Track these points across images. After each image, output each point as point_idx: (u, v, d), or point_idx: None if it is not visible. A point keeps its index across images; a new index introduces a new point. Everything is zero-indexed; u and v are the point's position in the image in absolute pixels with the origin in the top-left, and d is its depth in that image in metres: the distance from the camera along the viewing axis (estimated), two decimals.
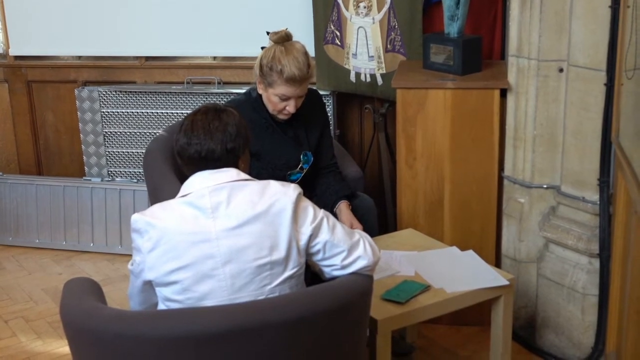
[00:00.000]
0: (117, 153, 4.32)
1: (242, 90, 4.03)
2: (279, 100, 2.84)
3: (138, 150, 4.26)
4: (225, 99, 4.04)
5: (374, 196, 3.18)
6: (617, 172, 2.69)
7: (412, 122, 3.17)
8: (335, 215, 2.91)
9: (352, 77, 3.80)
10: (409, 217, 3.26)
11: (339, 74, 3.84)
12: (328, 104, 3.92)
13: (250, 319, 1.87)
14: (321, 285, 2.06)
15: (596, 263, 2.89)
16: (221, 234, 1.99)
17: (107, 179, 4.31)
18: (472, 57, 3.19)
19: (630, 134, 2.57)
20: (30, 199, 4.30)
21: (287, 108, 2.85)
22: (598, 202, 2.85)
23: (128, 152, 4.30)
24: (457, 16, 3.19)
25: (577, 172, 2.90)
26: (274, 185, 2.07)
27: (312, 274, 2.26)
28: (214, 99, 4.08)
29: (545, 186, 3.05)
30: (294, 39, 2.87)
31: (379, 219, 3.13)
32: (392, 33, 3.58)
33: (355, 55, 3.74)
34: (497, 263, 3.24)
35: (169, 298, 2.03)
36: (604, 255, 2.84)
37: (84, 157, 4.35)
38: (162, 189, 2.87)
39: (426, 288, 2.60)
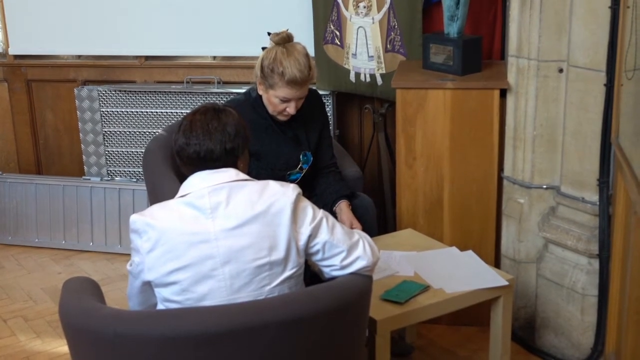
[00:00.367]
0: (116, 152, 4.31)
1: (242, 90, 4.03)
2: (279, 101, 2.83)
3: (137, 150, 4.26)
4: (225, 99, 4.04)
5: (373, 196, 3.18)
6: (617, 173, 2.69)
7: (412, 122, 3.17)
8: (335, 214, 2.91)
9: (352, 77, 3.80)
10: (409, 217, 3.26)
11: (338, 73, 3.84)
12: (328, 103, 3.92)
13: (249, 319, 1.87)
14: (320, 285, 2.06)
15: (596, 264, 2.89)
16: (220, 234, 1.98)
17: (106, 178, 4.30)
18: (472, 57, 3.19)
19: (630, 135, 2.57)
20: (30, 198, 4.30)
21: (287, 110, 2.85)
22: (598, 203, 2.85)
23: (127, 152, 4.30)
24: (457, 16, 3.19)
25: (577, 172, 2.90)
26: (273, 185, 2.07)
27: (311, 274, 2.26)
28: (214, 99, 4.08)
29: (544, 186, 3.05)
30: (294, 38, 2.86)
31: (379, 219, 3.13)
32: (392, 33, 3.58)
33: (355, 55, 3.74)
34: (497, 263, 3.24)
35: (168, 299, 2.03)
36: (604, 255, 2.84)
37: (84, 157, 4.35)
38: (161, 188, 2.87)
39: (425, 288, 2.60)
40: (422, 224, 3.25)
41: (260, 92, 2.89)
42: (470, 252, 2.88)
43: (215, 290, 2.00)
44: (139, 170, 4.23)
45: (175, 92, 4.15)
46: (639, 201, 2.21)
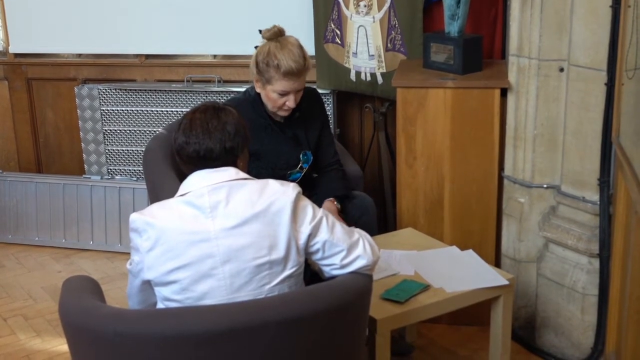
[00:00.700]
0: (116, 151, 4.31)
1: (242, 88, 4.03)
2: (278, 96, 2.83)
3: (138, 149, 4.26)
4: (225, 97, 4.04)
5: (373, 195, 3.18)
6: (618, 172, 2.69)
7: (412, 122, 3.17)
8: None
9: (353, 76, 3.80)
10: (409, 216, 3.26)
11: (339, 72, 3.84)
12: (328, 102, 3.91)
13: (249, 318, 1.87)
14: (320, 284, 2.06)
15: (596, 263, 2.88)
16: (220, 233, 1.98)
17: (106, 177, 4.30)
18: (473, 57, 3.19)
19: (630, 134, 2.57)
20: (30, 196, 4.30)
21: (287, 103, 2.84)
22: (598, 202, 2.85)
23: (128, 150, 4.30)
24: (457, 15, 3.18)
25: (578, 172, 2.90)
26: (273, 184, 2.07)
27: (311, 273, 2.26)
28: (214, 97, 4.08)
29: (545, 186, 3.05)
30: (294, 38, 2.86)
31: (379, 219, 3.13)
32: (393, 32, 3.57)
33: (355, 54, 3.74)
34: (497, 263, 3.24)
35: (168, 298, 2.03)
36: (604, 255, 2.83)
37: (84, 155, 4.35)
38: (161, 187, 2.87)
39: (426, 287, 2.60)
40: (422, 223, 3.25)
41: (258, 90, 2.89)
42: (470, 252, 2.87)
43: (215, 289, 1.99)
44: (139, 169, 4.23)
45: (175, 90, 4.15)
46: None
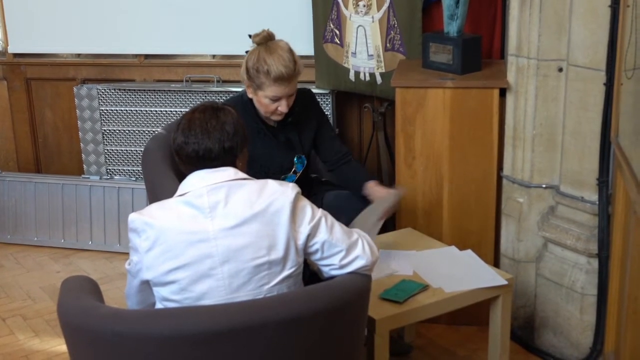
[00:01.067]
0: (115, 151, 4.31)
1: (241, 88, 4.03)
2: (270, 101, 2.82)
3: (137, 149, 4.26)
4: (224, 97, 4.04)
5: None
6: (616, 172, 2.69)
7: (411, 122, 3.17)
8: (365, 201, 2.90)
9: (352, 76, 3.80)
10: (408, 216, 3.26)
11: (338, 72, 3.84)
12: (327, 102, 3.91)
13: (248, 318, 1.86)
14: (319, 284, 2.06)
15: (595, 263, 2.88)
16: (219, 233, 1.98)
17: (105, 177, 4.30)
18: (472, 57, 3.19)
19: (629, 134, 2.57)
20: (29, 196, 4.30)
21: (279, 108, 2.83)
22: (597, 202, 2.85)
23: (127, 150, 4.30)
24: (456, 15, 3.18)
25: (576, 172, 2.90)
26: (272, 184, 2.07)
27: (310, 273, 2.25)
28: (213, 97, 4.08)
29: (544, 186, 3.05)
30: (284, 42, 2.84)
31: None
32: (392, 32, 3.57)
33: (354, 54, 3.74)
34: (496, 263, 3.24)
35: (166, 298, 2.03)
36: (603, 255, 2.83)
37: (83, 155, 4.35)
38: (160, 187, 2.86)
39: (424, 287, 2.60)
40: (421, 223, 3.25)
41: (250, 95, 2.87)
42: (469, 252, 2.88)
43: (214, 289, 1.99)
44: (138, 169, 4.23)
45: (174, 90, 4.15)
46: (639, 200, 2.21)
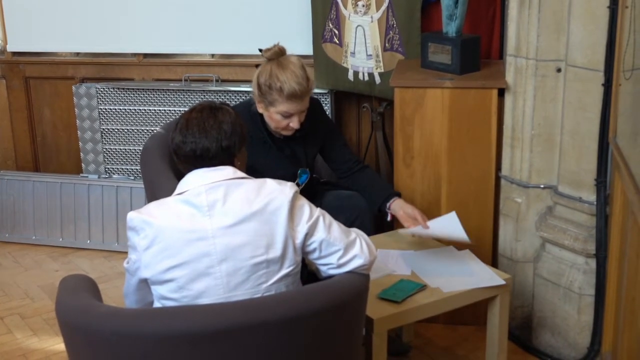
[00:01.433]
0: (114, 150, 4.31)
1: (240, 88, 4.04)
2: (281, 117, 2.78)
3: (135, 148, 4.26)
4: (223, 97, 4.05)
5: None
6: (614, 173, 2.69)
7: (410, 121, 3.17)
8: (384, 212, 2.94)
9: (350, 76, 3.80)
10: None
11: (337, 72, 3.84)
12: (326, 102, 3.91)
13: (246, 317, 1.87)
14: (317, 284, 2.06)
15: (593, 263, 2.89)
16: (217, 232, 1.98)
17: (104, 176, 4.30)
18: (471, 57, 3.19)
19: (627, 135, 2.57)
20: (27, 195, 4.30)
21: (290, 125, 2.80)
22: (595, 203, 2.85)
23: (125, 149, 4.30)
24: (455, 15, 3.19)
25: (574, 172, 2.90)
26: (270, 183, 2.07)
27: (308, 272, 2.26)
28: (212, 97, 4.08)
29: (542, 186, 3.05)
30: (296, 57, 2.82)
31: (376, 218, 3.12)
32: (391, 32, 3.58)
33: (353, 53, 3.74)
34: (494, 262, 3.24)
35: (164, 296, 2.03)
36: (601, 255, 2.84)
37: (81, 154, 4.35)
38: (159, 186, 2.86)
39: (422, 287, 2.60)
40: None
41: (261, 111, 2.83)
42: (467, 251, 2.88)
43: (211, 287, 2.00)
44: (137, 167, 4.23)
45: (173, 89, 4.15)
46: (636, 201, 2.22)
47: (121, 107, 4.23)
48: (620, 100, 2.61)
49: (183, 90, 4.13)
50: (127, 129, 4.26)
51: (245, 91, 4.01)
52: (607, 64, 2.70)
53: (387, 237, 3.03)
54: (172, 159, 2.25)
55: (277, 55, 2.77)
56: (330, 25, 3.80)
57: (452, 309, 2.64)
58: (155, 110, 4.20)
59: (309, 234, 2.06)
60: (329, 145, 3.08)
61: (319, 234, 2.07)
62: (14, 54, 4.46)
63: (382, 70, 3.66)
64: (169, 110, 4.18)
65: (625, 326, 2.44)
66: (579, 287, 2.93)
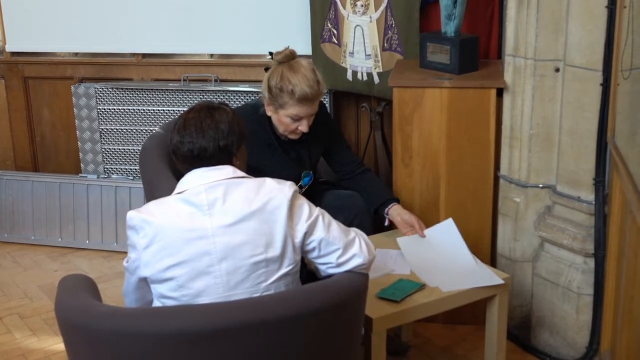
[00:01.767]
0: (113, 150, 4.31)
1: (239, 88, 4.04)
2: (291, 120, 2.78)
3: (134, 148, 4.26)
4: (222, 97, 4.05)
5: None
6: (613, 172, 2.70)
7: (409, 121, 3.18)
8: (382, 216, 2.96)
9: (349, 76, 3.80)
10: None
11: (335, 72, 3.84)
12: (324, 102, 3.91)
13: (245, 316, 1.87)
14: (316, 283, 2.07)
15: (591, 263, 2.89)
16: (217, 230, 1.99)
17: (103, 176, 4.30)
18: (469, 57, 3.19)
19: (626, 134, 2.57)
20: (26, 195, 4.30)
21: (299, 128, 2.80)
22: (593, 202, 2.85)
23: (124, 149, 4.30)
24: (454, 15, 3.19)
25: (573, 171, 2.91)
26: (269, 182, 2.08)
27: (307, 272, 2.26)
28: (211, 97, 4.08)
29: (540, 186, 3.05)
30: (307, 60, 2.83)
31: (375, 218, 3.12)
32: (389, 32, 3.58)
33: (352, 53, 3.74)
34: (493, 262, 3.24)
35: (164, 295, 2.04)
36: (599, 255, 2.84)
37: (80, 154, 4.35)
38: (158, 186, 2.86)
39: (421, 287, 2.60)
40: None
41: (270, 113, 2.83)
42: (466, 251, 2.88)
43: (211, 286, 2.00)
44: (136, 167, 4.23)
45: (172, 89, 4.15)
46: (635, 200, 2.22)
47: (120, 107, 4.24)
48: (619, 100, 2.61)
49: (182, 90, 4.14)
50: (126, 129, 4.26)
51: (245, 91, 4.01)
52: (605, 63, 2.71)
53: (386, 237, 3.03)
54: (171, 159, 2.26)
55: (288, 58, 2.77)
56: (329, 25, 3.80)
57: (451, 309, 2.65)
58: (154, 110, 4.20)
59: (308, 233, 2.06)
60: (332, 147, 3.09)
61: (318, 233, 2.07)
62: (13, 54, 4.46)
63: (381, 70, 3.66)
64: (168, 110, 4.18)
65: (623, 325, 2.44)
66: (577, 286, 2.93)
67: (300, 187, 2.97)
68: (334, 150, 3.10)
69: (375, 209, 3.00)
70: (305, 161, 2.98)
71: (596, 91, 2.76)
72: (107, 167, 4.33)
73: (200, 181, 2.04)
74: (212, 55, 4.26)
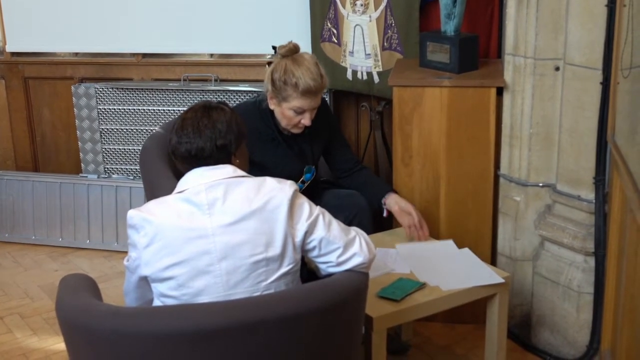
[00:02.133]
0: (113, 150, 4.31)
1: (239, 87, 4.04)
2: (294, 114, 2.80)
3: (134, 147, 4.26)
4: (222, 97, 4.05)
5: None
6: (613, 171, 2.70)
7: (409, 120, 3.18)
8: (381, 208, 2.97)
9: (349, 75, 3.80)
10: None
11: (335, 71, 3.84)
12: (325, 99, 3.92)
13: (245, 315, 1.87)
14: (316, 282, 2.07)
15: (591, 261, 2.89)
16: (217, 230, 1.99)
17: (103, 175, 4.31)
18: (469, 56, 3.19)
19: (625, 133, 2.57)
20: (27, 195, 4.30)
21: (302, 121, 2.81)
22: (594, 201, 2.86)
23: (124, 149, 4.30)
24: (453, 14, 3.19)
25: (573, 170, 2.91)
26: (270, 181, 2.08)
27: (307, 271, 2.26)
28: (211, 96, 4.08)
29: (541, 184, 3.05)
30: (309, 54, 2.84)
31: (375, 217, 3.13)
32: (389, 31, 3.58)
33: (352, 53, 3.74)
34: (493, 261, 3.25)
35: (164, 294, 2.04)
36: (600, 253, 2.84)
37: (81, 154, 4.35)
38: (158, 185, 2.87)
39: (421, 286, 2.60)
40: None
41: (272, 107, 2.85)
42: (466, 250, 2.88)
43: (211, 285, 2.00)
44: (136, 167, 4.23)
45: (172, 89, 4.15)
46: (635, 199, 2.22)
47: (120, 107, 4.24)
48: (619, 99, 2.61)
49: (182, 90, 4.14)
50: (126, 129, 4.26)
51: (244, 91, 4.01)
52: (605, 62, 2.71)
53: (386, 236, 3.04)
54: (171, 158, 2.26)
55: (292, 52, 2.80)
56: (329, 24, 3.80)
57: (451, 308, 2.65)
58: (154, 110, 4.20)
59: (308, 232, 2.06)
60: (331, 144, 3.09)
61: (319, 232, 2.07)
62: (13, 54, 4.46)
63: (381, 70, 3.66)
64: (168, 110, 4.18)
65: (624, 324, 2.44)
66: (577, 285, 2.93)
67: (303, 181, 2.98)
68: (334, 147, 3.10)
69: (377, 203, 3.01)
70: (308, 155, 2.99)
71: (596, 90, 2.76)
72: (108, 167, 4.34)
73: (200, 180, 2.04)
74: (212, 55, 4.27)
